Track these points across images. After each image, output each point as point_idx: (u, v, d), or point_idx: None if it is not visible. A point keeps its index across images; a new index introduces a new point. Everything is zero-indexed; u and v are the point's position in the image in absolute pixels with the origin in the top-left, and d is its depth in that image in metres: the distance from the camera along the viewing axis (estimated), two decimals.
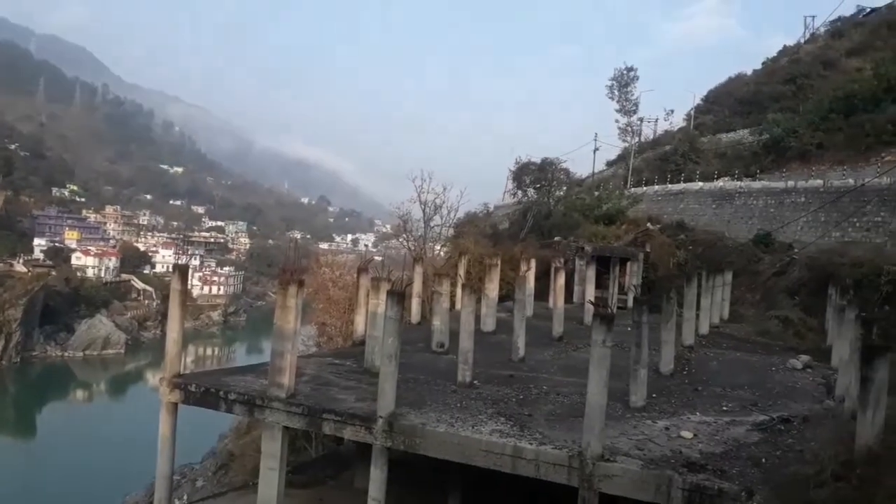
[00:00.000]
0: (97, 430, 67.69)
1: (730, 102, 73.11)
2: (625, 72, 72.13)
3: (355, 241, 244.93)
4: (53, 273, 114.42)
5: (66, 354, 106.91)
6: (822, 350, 26.52)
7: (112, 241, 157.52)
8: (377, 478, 14.67)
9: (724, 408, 17.72)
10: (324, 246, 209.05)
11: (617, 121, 73.80)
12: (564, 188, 54.76)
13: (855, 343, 16.65)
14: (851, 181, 38.03)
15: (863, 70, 52.26)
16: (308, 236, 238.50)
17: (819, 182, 40.65)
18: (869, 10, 71.98)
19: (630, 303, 34.79)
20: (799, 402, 18.59)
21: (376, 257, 66.81)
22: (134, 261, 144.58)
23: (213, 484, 36.88)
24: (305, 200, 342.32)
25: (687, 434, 15.01)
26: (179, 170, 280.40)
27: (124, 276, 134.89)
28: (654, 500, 12.30)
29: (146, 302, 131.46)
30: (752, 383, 21.04)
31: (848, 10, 73.92)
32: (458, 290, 28.02)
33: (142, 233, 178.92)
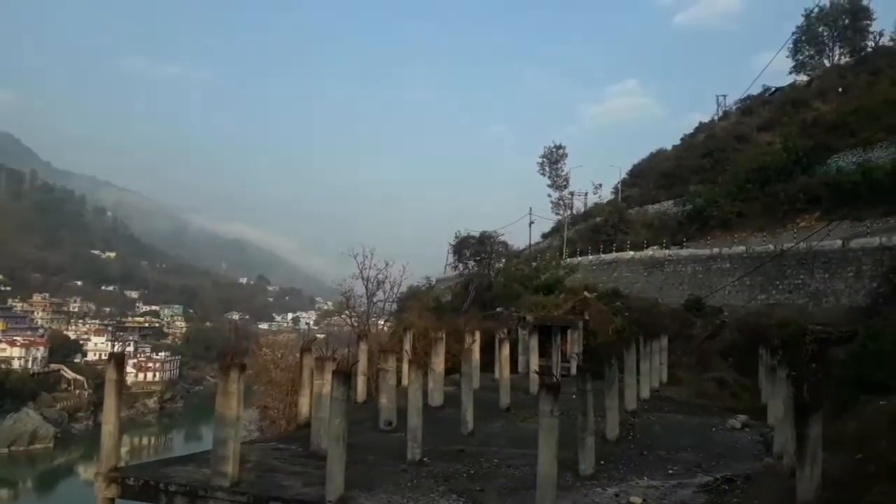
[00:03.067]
0: None
1: (653, 176, 76.36)
2: (554, 149, 75.17)
3: (296, 320, 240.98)
4: None
5: None
6: (758, 409, 27.23)
7: (40, 331, 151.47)
8: None
9: (670, 471, 18.01)
10: (263, 326, 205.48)
11: (549, 195, 76.35)
12: (504, 260, 55.74)
13: (788, 401, 17.26)
14: (771, 247, 39.99)
15: (773, 144, 55.69)
16: (247, 317, 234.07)
17: (742, 248, 42.55)
18: (774, 89, 77.27)
19: (573, 370, 35.31)
20: (740, 462, 19.01)
21: (319, 335, 66.11)
22: (64, 350, 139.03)
23: None
24: (244, 280, 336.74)
25: (636, 500, 15.18)
26: (112, 255, 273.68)
27: (53, 367, 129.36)
28: None
29: (77, 392, 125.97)
30: (695, 445, 21.46)
31: (756, 89, 79.15)
32: (405, 366, 28.00)
33: (72, 320, 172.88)
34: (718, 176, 58.46)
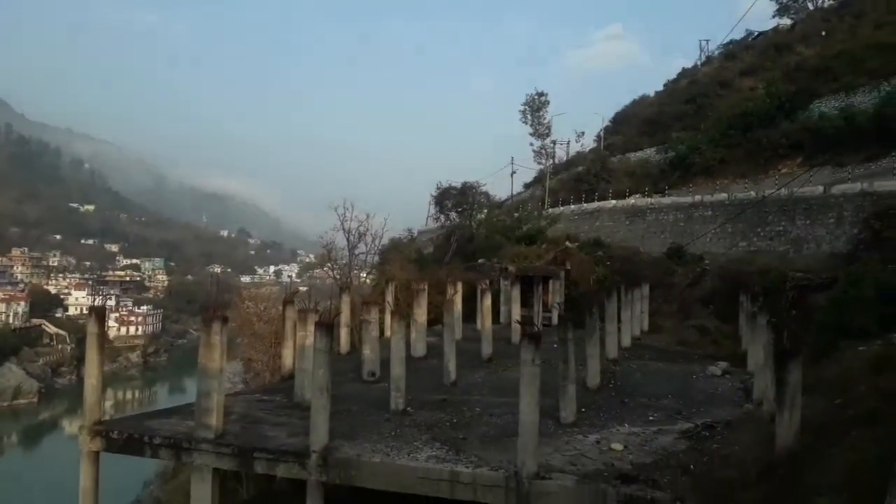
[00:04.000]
0: (11, 485, 63.94)
1: (636, 123, 75.98)
2: (536, 97, 74.25)
3: (278, 273, 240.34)
4: None
5: None
6: (738, 355, 27.57)
7: (20, 285, 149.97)
8: None
9: (651, 418, 18.22)
10: (245, 279, 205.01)
11: (531, 144, 75.73)
12: (485, 211, 55.59)
13: (768, 348, 17.43)
14: (753, 193, 40.01)
15: (756, 89, 55.25)
16: (229, 270, 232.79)
17: (724, 196, 42.57)
18: (757, 33, 76.52)
19: (554, 320, 35.58)
20: (720, 408, 19.27)
21: (301, 288, 66.01)
22: (45, 304, 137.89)
23: None
24: (224, 234, 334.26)
25: (617, 446, 15.36)
26: (90, 208, 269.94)
27: (35, 321, 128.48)
28: None
29: (60, 347, 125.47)
30: (676, 392, 21.72)
31: (738, 33, 78.45)
32: (387, 318, 27.97)
33: (52, 275, 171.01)
34: (701, 122, 58.20)
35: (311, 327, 17.76)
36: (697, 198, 44.18)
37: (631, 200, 51.13)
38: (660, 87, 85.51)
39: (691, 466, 13.88)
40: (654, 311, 37.55)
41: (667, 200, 47.14)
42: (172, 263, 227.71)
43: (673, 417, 18.27)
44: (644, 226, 47.01)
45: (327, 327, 15.72)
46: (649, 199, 49.23)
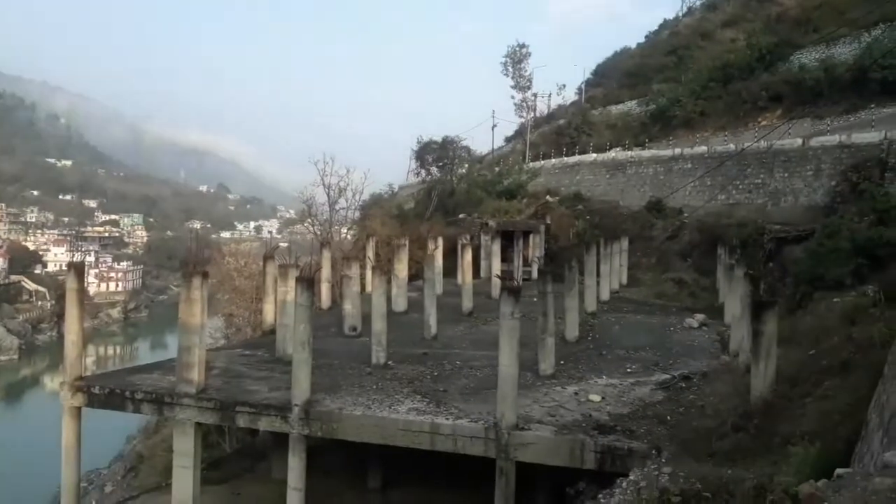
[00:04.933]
0: None
1: (617, 75, 75.28)
2: (517, 48, 73.09)
3: (258, 229, 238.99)
4: None
5: None
6: (716, 308, 28.00)
7: None
8: (296, 466, 14.63)
9: (629, 369, 18.53)
10: (226, 235, 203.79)
11: (513, 97, 74.83)
12: (466, 166, 55.33)
13: (745, 299, 17.66)
14: (732, 146, 40.05)
15: (736, 41, 54.92)
16: (208, 226, 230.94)
17: (703, 149, 42.61)
18: None
19: (535, 274, 35.80)
20: (697, 360, 19.61)
21: (282, 244, 65.77)
22: (23, 261, 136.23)
23: (122, 488, 35.55)
24: (204, 189, 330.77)
25: (595, 397, 15.63)
26: (68, 163, 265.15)
27: (14, 278, 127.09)
28: (568, 464, 12.79)
29: (39, 303, 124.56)
30: (653, 344, 22.05)
31: None
32: (368, 273, 28.03)
33: (30, 231, 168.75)
34: (682, 74, 57.88)
35: (291, 283, 17.75)
36: (677, 151, 44.20)
37: (611, 154, 51.05)
38: (641, 39, 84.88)
39: (668, 417, 14.17)
40: (633, 265, 37.87)
41: (647, 154, 47.14)
42: (152, 219, 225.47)
43: (650, 369, 18.58)
44: (624, 179, 47.06)
45: (308, 282, 15.73)
46: (629, 153, 49.18)
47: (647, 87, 60.89)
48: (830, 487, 5.02)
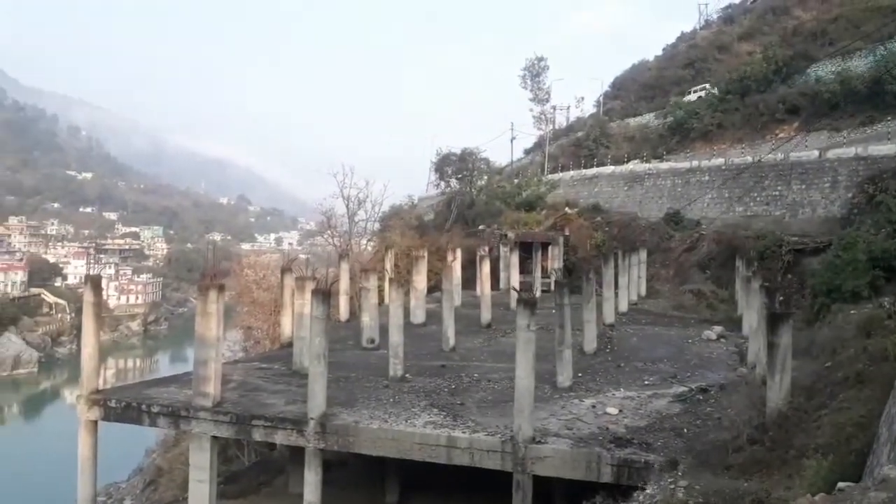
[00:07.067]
0: (12, 454, 64.56)
1: (635, 88, 75.36)
2: (535, 62, 73.44)
3: (279, 241, 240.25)
4: None
5: None
6: (734, 319, 27.81)
7: (18, 254, 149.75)
8: (312, 481, 14.66)
9: (646, 382, 18.45)
10: (246, 247, 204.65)
11: (531, 109, 75.10)
12: (485, 177, 55.47)
13: (761, 311, 17.55)
14: (750, 158, 39.91)
15: (753, 53, 54.84)
16: (229, 237, 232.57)
17: (721, 160, 42.47)
18: None
19: (553, 286, 35.74)
20: (715, 372, 19.51)
21: (301, 255, 66.10)
22: (44, 273, 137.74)
23: (141, 502, 35.85)
24: (224, 201, 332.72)
25: (612, 410, 15.58)
26: (88, 175, 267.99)
27: (34, 290, 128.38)
28: (585, 478, 12.77)
29: (59, 316, 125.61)
30: (671, 356, 21.94)
31: None
32: (387, 285, 28.12)
33: (50, 243, 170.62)
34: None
35: (308, 295, 17.85)
36: (695, 163, 44.09)
37: (629, 166, 50.99)
38: (659, 52, 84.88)
39: (685, 430, 14.11)
40: (651, 276, 37.74)
41: (664, 166, 47.05)
42: (172, 231, 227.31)
43: (668, 381, 18.50)
44: (642, 191, 46.95)
45: (324, 294, 15.81)
46: (647, 165, 49.12)
47: (665, 100, 60.94)
48: (828, 502, 5.02)
